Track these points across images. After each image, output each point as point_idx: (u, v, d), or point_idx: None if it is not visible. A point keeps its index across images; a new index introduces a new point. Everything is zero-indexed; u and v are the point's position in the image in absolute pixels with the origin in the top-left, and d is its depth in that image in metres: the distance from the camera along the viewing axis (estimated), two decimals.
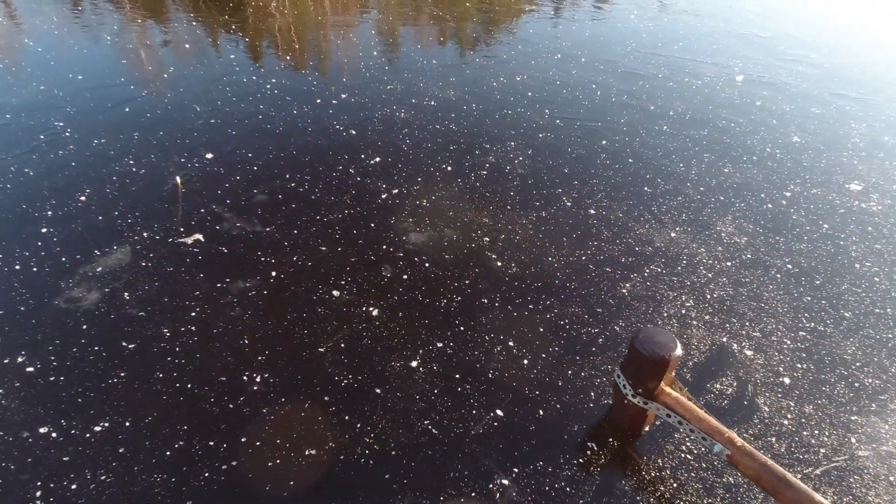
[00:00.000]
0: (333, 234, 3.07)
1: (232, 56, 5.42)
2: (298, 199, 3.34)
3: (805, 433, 2.19)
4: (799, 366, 2.50)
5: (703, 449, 2.06)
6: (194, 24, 6.26)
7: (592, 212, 3.44)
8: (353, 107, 4.52)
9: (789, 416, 2.26)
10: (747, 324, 2.71)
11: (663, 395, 1.81)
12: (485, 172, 3.75)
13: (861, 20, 8.49)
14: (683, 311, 2.75)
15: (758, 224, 3.47)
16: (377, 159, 3.80)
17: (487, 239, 3.13)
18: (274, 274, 2.77)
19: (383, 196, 3.43)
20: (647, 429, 2.05)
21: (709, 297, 2.86)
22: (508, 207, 3.41)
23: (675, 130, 4.56)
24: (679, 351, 1.71)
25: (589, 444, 2.08)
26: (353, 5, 7.60)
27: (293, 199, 3.34)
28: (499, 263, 2.95)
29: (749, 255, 3.18)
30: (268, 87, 4.79)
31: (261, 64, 5.32)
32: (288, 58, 5.52)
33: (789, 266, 3.13)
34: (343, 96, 4.69)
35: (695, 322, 2.70)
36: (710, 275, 3.02)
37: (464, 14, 7.39)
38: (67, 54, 5.18)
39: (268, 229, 3.08)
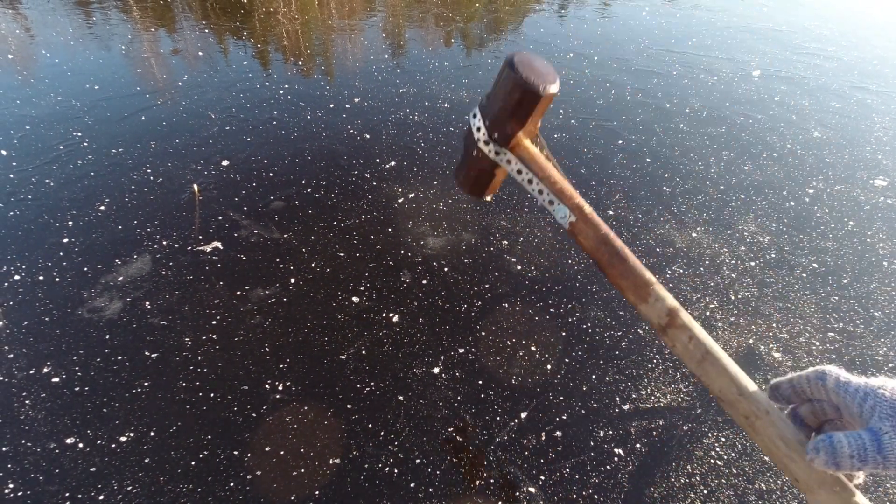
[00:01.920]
0: (351, 240, 3.06)
1: (244, 63, 5.45)
2: (315, 205, 3.34)
3: None
4: (831, 361, 2.44)
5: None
6: (205, 31, 6.30)
7: (611, 213, 3.39)
8: (367, 111, 4.52)
9: None
10: (774, 325, 2.65)
11: (520, 146, 1.32)
12: None
13: (879, 11, 8.33)
14: (708, 314, 2.70)
15: (781, 222, 3.41)
16: (392, 163, 3.79)
17: (506, 242, 3.10)
18: (293, 281, 2.77)
19: (399, 200, 3.42)
20: (489, 198, 1.52)
21: (733, 298, 2.81)
22: (526, 210, 3.38)
23: (693, 128, 4.49)
24: (555, 88, 1.23)
25: (616, 450, 2.04)
26: (360, 8, 7.61)
27: (310, 205, 3.34)
28: (518, 267, 2.92)
29: (773, 255, 3.12)
30: (281, 92, 4.80)
31: (273, 70, 5.34)
32: (299, 63, 5.54)
33: (815, 265, 3.06)
34: (356, 100, 4.69)
35: (720, 324, 2.65)
36: (733, 275, 2.96)
37: (472, 14, 7.37)
38: (83, 65, 5.24)
39: (285, 236, 3.08)
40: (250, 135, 4.09)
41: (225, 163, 3.73)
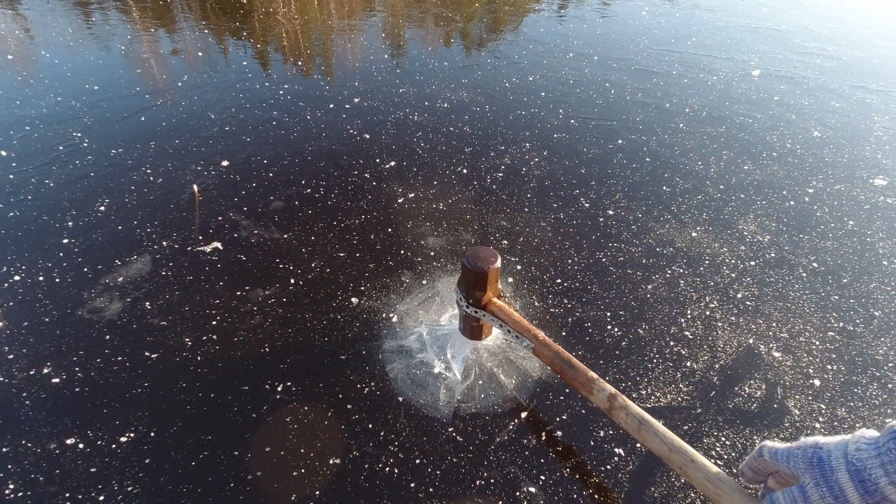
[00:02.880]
0: (351, 240, 3.07)
1: (244, 63, 5.45)
2: (315, 205, 3.34)
3: (846, 427, 2.14)
4: (829, 367, 2.44)
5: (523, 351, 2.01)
6: (204, 31, 6.31)
7: (611, 212, 3.40)
8: (367, 111, 4.52)
9: (821, 419, 2.21)
10: (774, 325, 2.65)
11: (490, 304, 2.17)
12: (500, 174, 3.73)
13: (880, 10, 8.33)
14: (708, 313, 2.70)
15: (780, 222, 3.41)
16: (392, 163, 3.79)
17: (506, 242, 3.10)
18: (293, 281, 2.77)
19: (399, 200, 3.42)
20: (485, 341, 2.45)
21: (733, 297, 2.81)
22: (526, 209, 3.38)
23: (692, 128, 4.49)
24: (497, 264, 2.10)
25: (616, 449, 2.04)
26: (359, 8, 7.62)
27: (309, 205, 3.34)
28: (518, 267, 2.93)
29: (773, 254, 3.12)
30: (280, 92, 4.80)
31: (272, 70, 5.34)
32: (299, 63, 5.54)
33: (815, 264, 3.06)
34: (356, 100, 4.69)
35: (720, 324, 2.65)
36: (733, 275, 2.96)
37: (472, 14, 7.37)
38: (82, 65, 5.25)
39: (285, 236, 3.08)
40: (250, 135, 4.09)
41: (225, 163, 3.73)
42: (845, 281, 2.96)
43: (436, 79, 5.18)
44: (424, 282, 2.81)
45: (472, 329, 2.38)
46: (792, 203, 3.61)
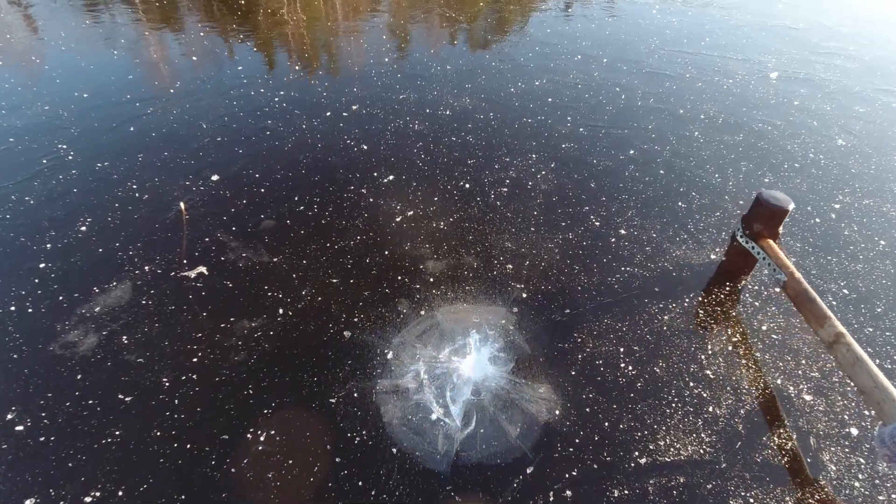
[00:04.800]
0: (345, 265, 2.87)
1: (240, 67, 5.26)
2: (307, 224, 3.15)
3: (889, 486, 1.92)
4: (867, 413, 2.22)
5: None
6: (203, 33, 6.11)
7: (623, 232, 3.18)
8: (365, 119, 4.32)
9: (860, 476, 1.99)
10: (804, 362, 2.43)
11: (764, 242, 2.60)
12: (505, 189, 3.51)
13: None
14: (730, 348, 2.48)
15: (806, 242, 3.18)
16: (390, 177, 3.59)
17: (511, 266, 2.89)
18: (281, 311, 2.58)
19: (397, 219, 3.22)
20: (745, 280, 2.85)
21: (758, 329, 2.59)
22: (532, 229, 3.17)
23: (708, 136, 4.25)
24: (790, 206, 2.51)
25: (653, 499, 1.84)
26: (365, 9, 7.39)
27: (302, 225, 3.14)
28: (524, 295, 2.72)
29: None
30: (276, 99, 4.60)
31: (270, 75, 5.14)
32: (297, 67, 5.34)
33: (845, 291, 2.83)
34: (354, 108, 4.48)
35: (743, 361, 2.43)
36: (757, 303, 2.74)
37: (476, 15, 7.13)
38: (74, 71, 5.07)
39: (275, 260, 2.89)
40: (242, 146, 3.90)
41: (215, 177, 3.54)
42: (879, 310, 2.73)
43: (438, 84, 4.97)
44: (423, 312, 2.61)
45: (736, 260, 2.82)
46: (818, 220, 3.37)
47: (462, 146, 3.98)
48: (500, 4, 7.52)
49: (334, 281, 2.76)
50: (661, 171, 3.78)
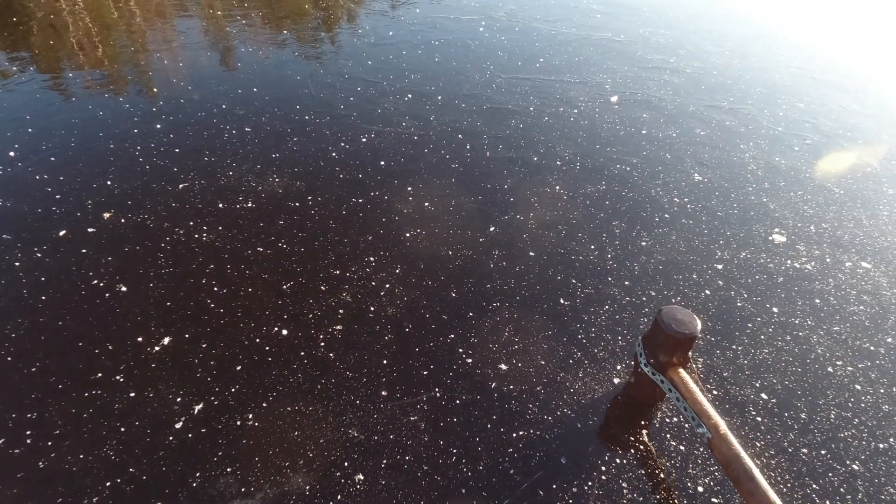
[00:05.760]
0: None
1: None
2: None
3: None
4: None
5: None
6: None
7: (504, 367, 2.37)
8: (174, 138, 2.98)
9: None
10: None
11: (672, 371, 1.99)
12: (339, 325, 2.50)
13: (701, 10, 8.52)
14: None
15: (706, 327, 2.67)
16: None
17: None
18: None
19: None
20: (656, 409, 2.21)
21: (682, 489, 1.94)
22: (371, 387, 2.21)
23: (571, 189, 3.68)
24: (696, 332, 1.93)
25: None
26: (169, 10, 5.75)
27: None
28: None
29: (708, 386, 2.34)
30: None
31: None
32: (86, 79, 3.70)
33: (764, 396, 2.34)
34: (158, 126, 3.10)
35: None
36: (633, 417, 2.10)
37: (269, 56, 5.93)
38: None
39: None
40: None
41: None
42: (804, 416, 2.27)
43: (234, 159, 3.75)
44: None
45: (643, 390, 2.20)
46: (707, 293, 2.91)
47: (275, 254, 2.87)
48: (301, 34, 6.38)
49: None
50: (532, 253, 3.07)
